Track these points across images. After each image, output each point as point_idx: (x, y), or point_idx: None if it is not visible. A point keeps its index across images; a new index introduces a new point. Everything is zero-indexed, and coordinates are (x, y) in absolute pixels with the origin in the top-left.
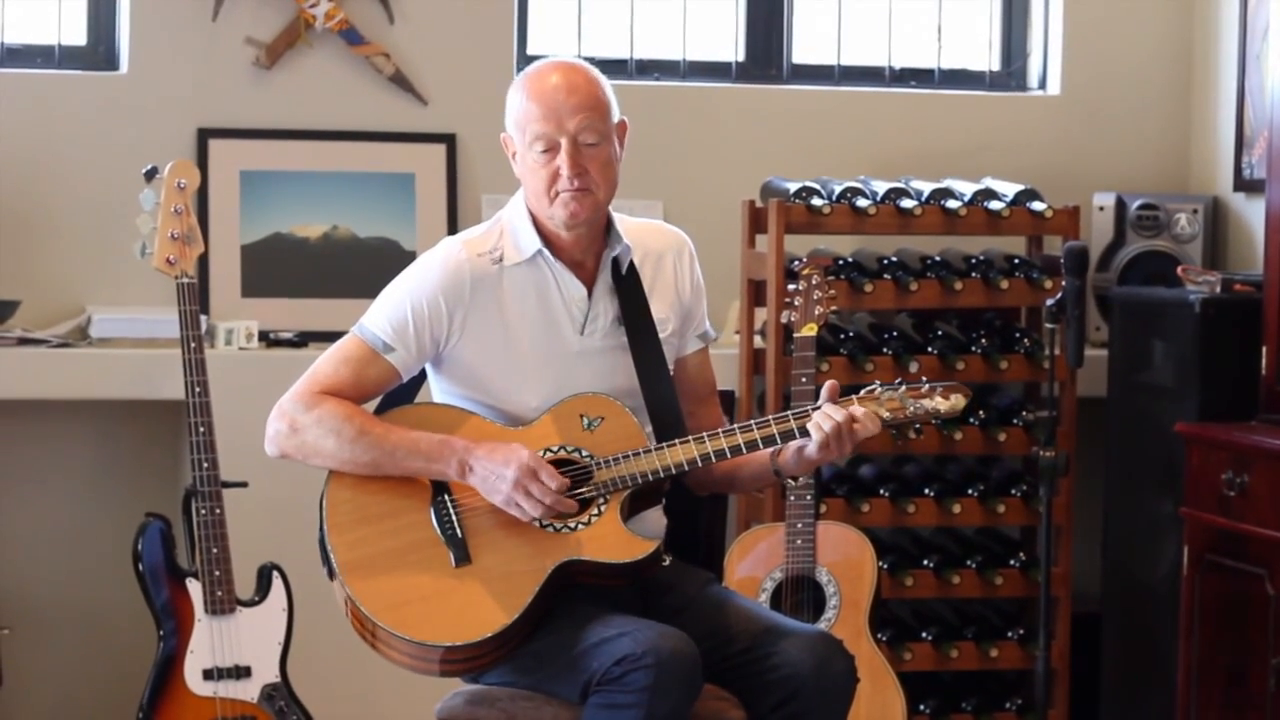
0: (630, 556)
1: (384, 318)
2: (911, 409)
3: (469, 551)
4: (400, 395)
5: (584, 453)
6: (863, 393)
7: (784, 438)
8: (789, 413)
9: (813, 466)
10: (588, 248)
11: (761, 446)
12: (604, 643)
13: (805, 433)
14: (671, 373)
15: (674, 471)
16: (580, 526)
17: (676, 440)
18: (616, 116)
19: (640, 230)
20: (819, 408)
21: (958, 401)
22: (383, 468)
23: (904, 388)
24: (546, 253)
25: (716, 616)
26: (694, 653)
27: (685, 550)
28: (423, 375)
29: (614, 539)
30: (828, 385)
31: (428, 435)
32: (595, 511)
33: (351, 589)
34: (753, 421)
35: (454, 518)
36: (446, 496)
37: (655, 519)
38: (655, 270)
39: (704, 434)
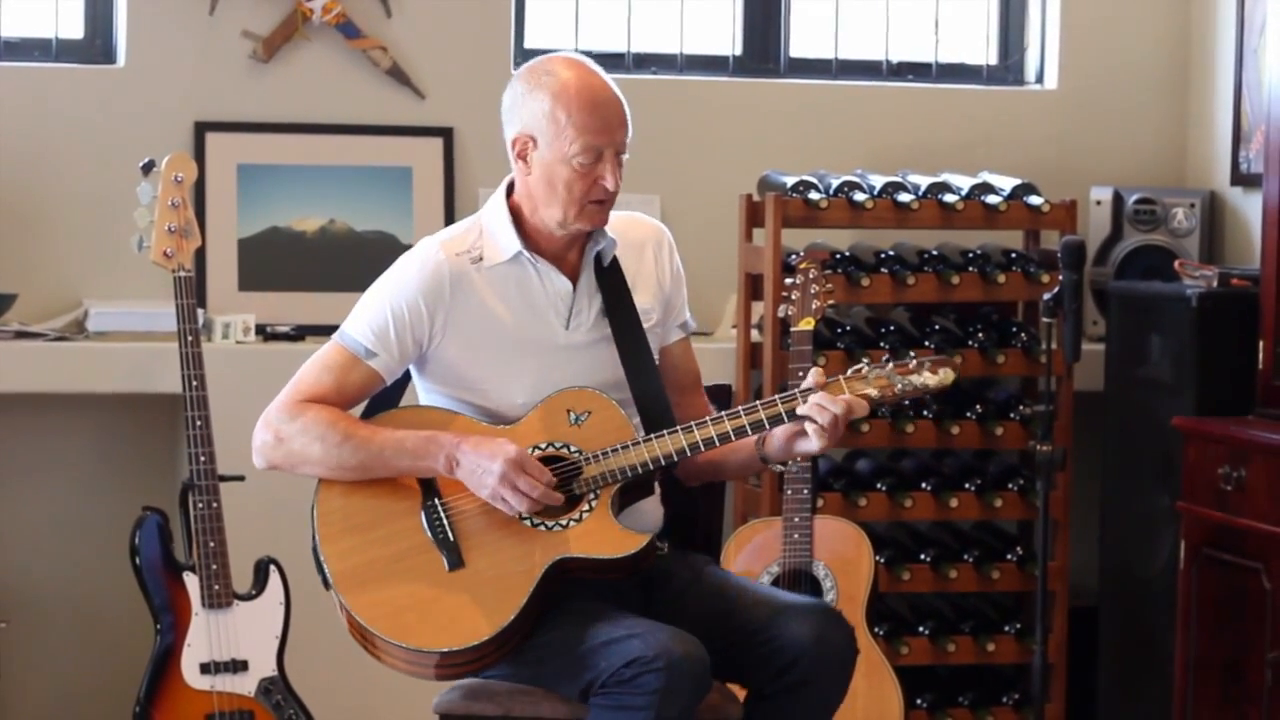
0: (623, 551)
1: (365, 323)
2: (900, 386)
3: (462, 555)
4: (385, 399)
5: (572, 448)
6: (849, 372)
7: (773, 423)
8: (777, 398)
9: (804, 455)
10: (570, 244)
11: (750, 433)
12: (613, 643)
13: (794, 417)
14: (657, 363)
15: (664, 463)
16: (572, 523)
17: (665, 431)
18: None
19: (619, 223)
20: (807, 393)
21: (946, 375)
22: (371, 469)
23: (891, 365)
24: (527, 253)
25: (717, 597)
26: (703, 656)
27: (684, 545)
28: (406, 379)
29: (606, 534)
30: (814, 371)
31: (413, 433)
32: (586, 507)
33: (347, 599)
34: (740, 408)
35: (445, 521)
36: (437, 500)
37: (651, 509)
38: (637, 261)
39: (692, 423)
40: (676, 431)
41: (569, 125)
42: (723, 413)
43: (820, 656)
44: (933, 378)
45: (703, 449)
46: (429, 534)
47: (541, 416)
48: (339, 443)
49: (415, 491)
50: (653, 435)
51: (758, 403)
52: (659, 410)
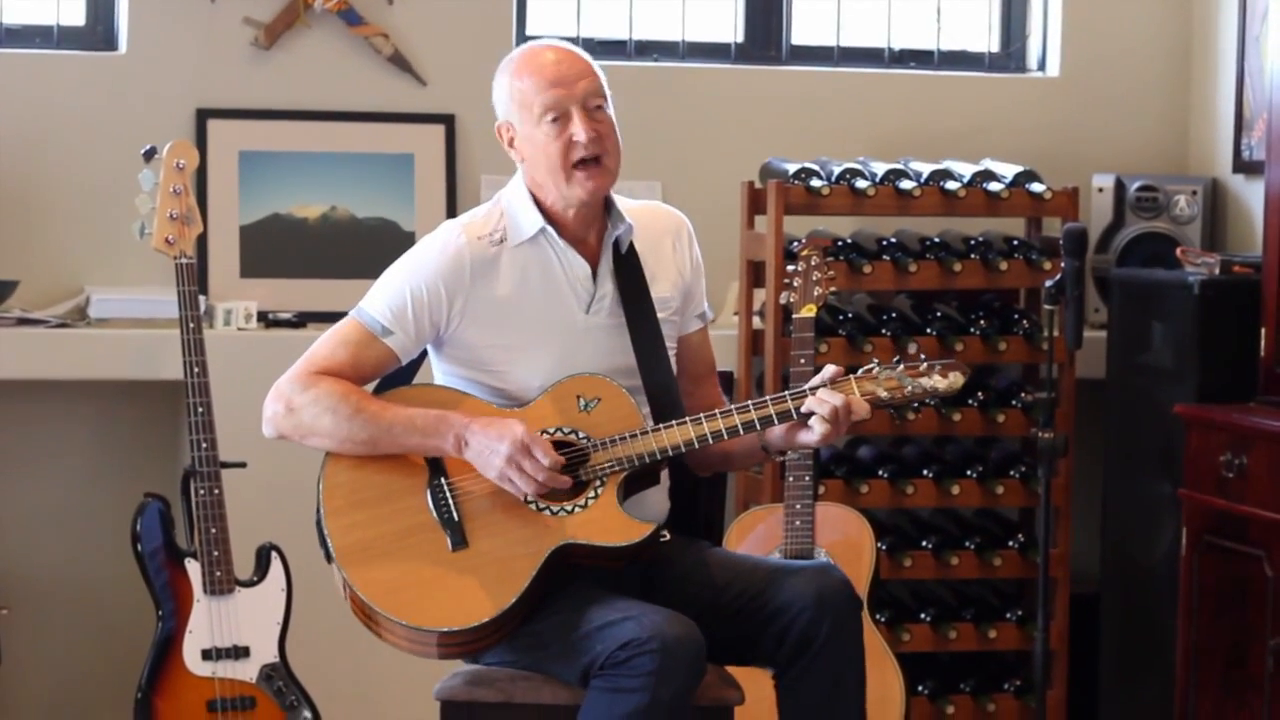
0: (627, 539)
1: (383, 301)
2: (910, 388)
3: (466, 535)
4: (398, 376)
5: (581, 434)
6: (860, 372)
7: (781, 419)
8: (786, 394)
9: (804, 447)
10: (589, 225)
11: (759, 428)
12: (608, 626)
13: (801, 414)
14: (674, 352)
15: (670, 454)
16: (577, 509)
17: (674, 422)
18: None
19: (640, 212)
20: (815, 390)
21: (956, 379)
22: (379, 445)
23: (902, 366)
24: (550, 230)
25: (717, 571)
26: (698, 638)
27: (685, 531)
28: (421, 356)
29: (611, 522)
30: (829, 369)
31: (424, 411)
32: (592, 494)
33: (349, 574)
34: (750, 403)
35: (450, 501)
36: (443, 480)
37: (656, 499)
38: (657, 251)
39: (701, 415)
40: (685, 423)
41: (528, 91)
42: (731, 406)
43: (820, 609)
44: (942, 381)
45: (710, 441)
46: (434, 513)
47: (551, 401)
48: (349, 416)
49: (422, 470)
50: (661, 425)
51: (767, 398)
52: (669, 400)
